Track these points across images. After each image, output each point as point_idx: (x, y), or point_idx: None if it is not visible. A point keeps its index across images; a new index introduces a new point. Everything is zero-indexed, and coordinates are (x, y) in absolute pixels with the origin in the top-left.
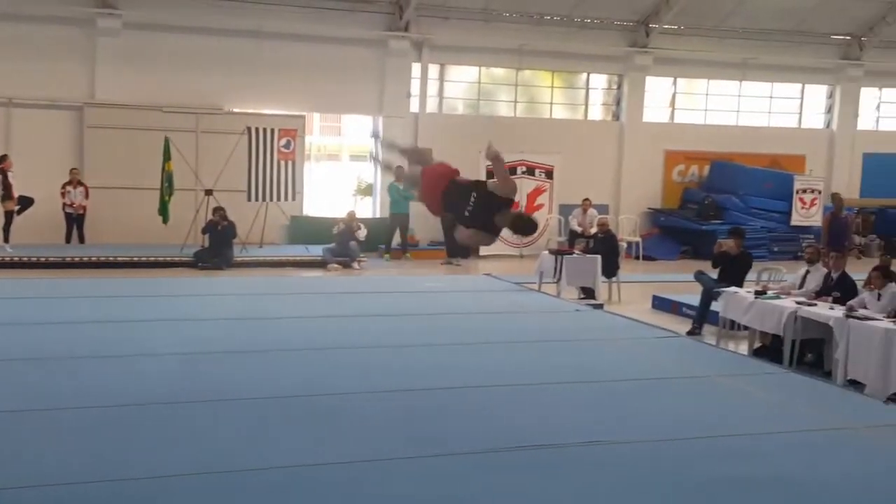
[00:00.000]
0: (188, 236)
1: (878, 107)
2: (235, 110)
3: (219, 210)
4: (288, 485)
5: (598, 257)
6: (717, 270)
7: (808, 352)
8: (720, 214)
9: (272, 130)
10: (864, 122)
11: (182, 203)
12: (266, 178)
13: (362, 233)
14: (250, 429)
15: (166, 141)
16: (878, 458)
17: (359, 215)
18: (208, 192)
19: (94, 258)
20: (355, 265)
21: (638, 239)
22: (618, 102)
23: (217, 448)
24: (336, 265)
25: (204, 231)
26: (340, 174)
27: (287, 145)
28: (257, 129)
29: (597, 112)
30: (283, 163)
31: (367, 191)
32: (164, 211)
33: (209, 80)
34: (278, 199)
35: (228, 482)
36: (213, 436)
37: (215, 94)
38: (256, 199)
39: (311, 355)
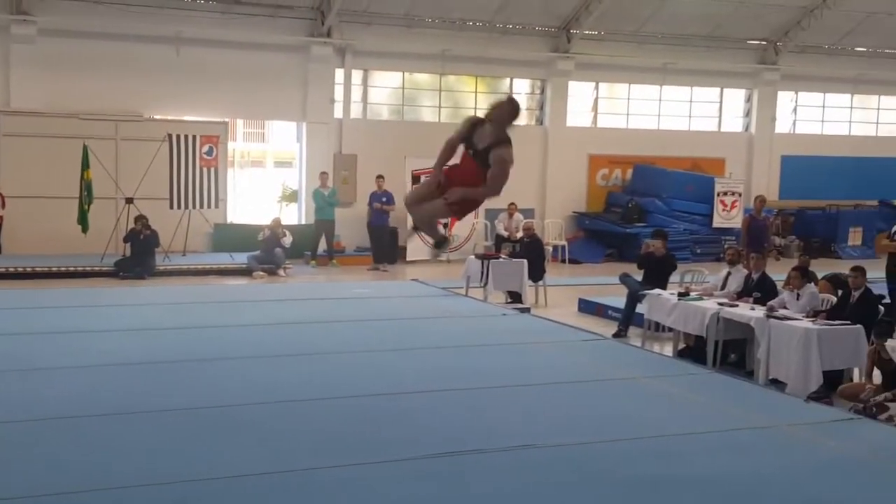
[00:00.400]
0: (109, 245)
1: (794, 110)
2: (156, 117)
3: (141, 218)
4: (204, 497)
5: (525, 261)
6: (642, 273)
7: (731, 352)
8: (644, 217)
9: (194, 137)
10: (782, 125)
11: (102, 212)
12: (188, 186)
13: (288, 239)
14: (175, 441)
15: (85, 148)
16: (800, 454)
17: (284, 222)
18: (129, 201)
19: (11, 269)
20: (281, 272)
21: (563, 242)
22: (541, 107)
23: (138, 460)
24: (262, 272)
25: (126, 240)
26: (265, 181)
27: (209, 152)
28: (178, 136)
29: (520, 117)
30: (205, 170)
31: (291, 197)
32: (83, 220)
33: (128, 86)
34: (201, 206)
35: (151, 495)
36: (136, 449)
37: (135, 101)
38: (179, 207)
39: (238, 364)
